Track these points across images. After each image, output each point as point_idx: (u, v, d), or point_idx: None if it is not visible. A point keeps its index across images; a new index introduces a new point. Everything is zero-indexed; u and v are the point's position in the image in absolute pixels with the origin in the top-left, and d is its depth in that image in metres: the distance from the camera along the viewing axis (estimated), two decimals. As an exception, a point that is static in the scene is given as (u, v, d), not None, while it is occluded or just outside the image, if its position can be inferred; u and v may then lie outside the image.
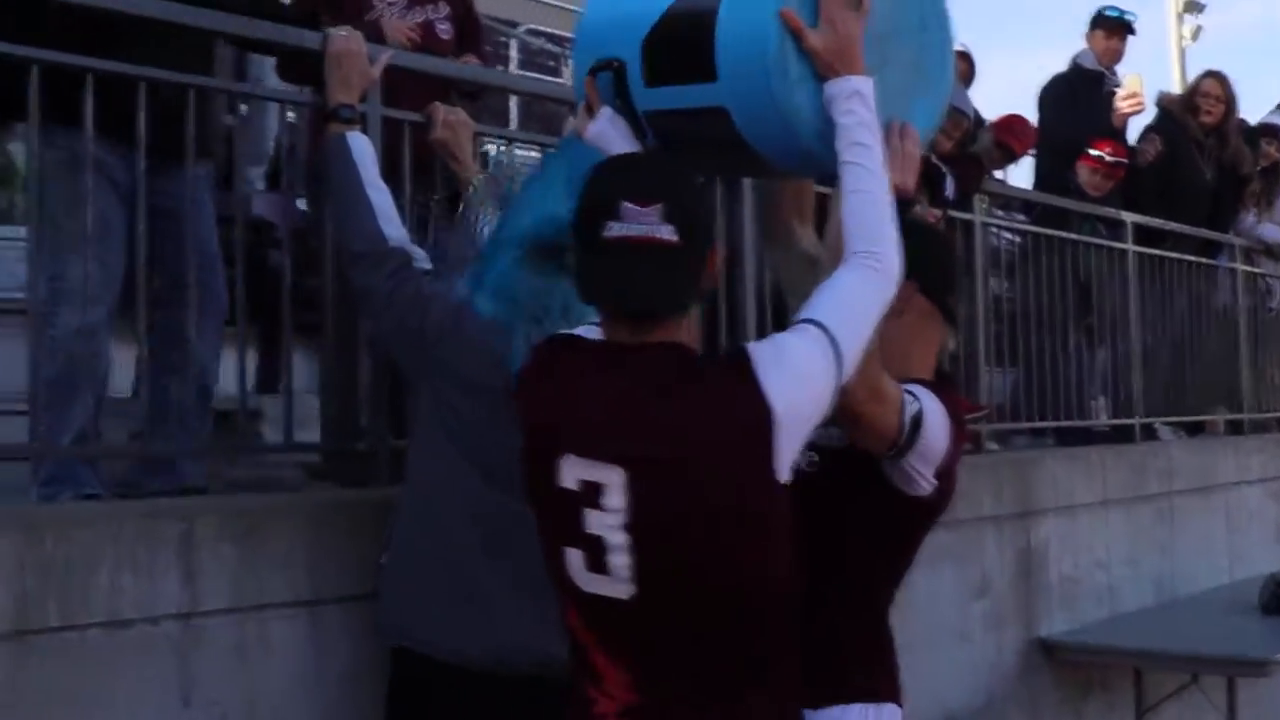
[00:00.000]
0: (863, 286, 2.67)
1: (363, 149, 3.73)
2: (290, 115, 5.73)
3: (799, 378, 2.54)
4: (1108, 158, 8.14)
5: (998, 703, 6.49)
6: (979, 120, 7.56)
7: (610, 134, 3.00)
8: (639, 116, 3.04)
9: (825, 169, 2.89)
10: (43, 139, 3.74)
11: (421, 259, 3.61)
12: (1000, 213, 7.78)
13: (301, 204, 5.02)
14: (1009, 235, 7.69)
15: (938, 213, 6.38)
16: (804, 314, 2.63)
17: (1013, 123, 7.58)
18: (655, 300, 2.57)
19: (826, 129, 2.84)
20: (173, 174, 4.04)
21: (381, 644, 3.60)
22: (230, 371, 4.31)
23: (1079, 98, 8.59)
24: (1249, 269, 9.62)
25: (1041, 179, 8.50)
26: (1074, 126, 8.24)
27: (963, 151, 6.83)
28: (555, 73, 11.76)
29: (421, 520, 3.47)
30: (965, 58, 7.76)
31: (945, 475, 2.97)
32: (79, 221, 3.81)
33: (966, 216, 6.85)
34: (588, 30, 3.22)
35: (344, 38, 3.91)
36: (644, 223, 2.51)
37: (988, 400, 6.91)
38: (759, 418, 2.48)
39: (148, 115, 3.81)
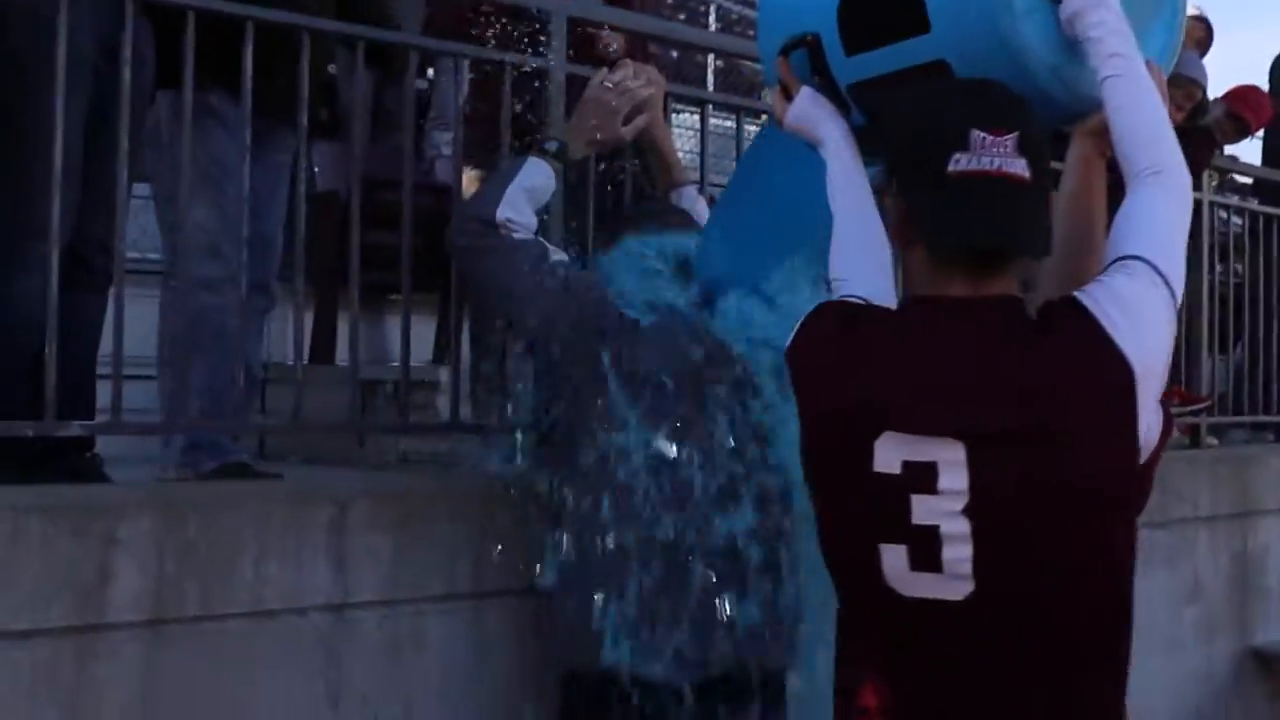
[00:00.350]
0: (1166, 207, 2.38)
1: (534, 173, 3.41)
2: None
3: (1147, 326, 2.26)
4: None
5: (1207, 717, 6.04)
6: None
7: (813, 114, 2.71)
8: (841, 91, 2.75)
9: (1063, 111, 2.60)
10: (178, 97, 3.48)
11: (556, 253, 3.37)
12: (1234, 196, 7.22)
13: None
14: (1232, 217, 7.13)
15: None
16: (1119, 250, 2.33)
17: (1247, 94, 7.02)
18: (1008, 241, 2.29)
19: (1061, 62, 2.54)
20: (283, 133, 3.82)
21: (553, 664, 3.37)
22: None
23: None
24: None
25: (1269, 156, 7.87)
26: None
27: (1192, 124, 6.31)
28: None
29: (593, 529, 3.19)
30: (1203, 23, 7.20)
31: (1145, 473, 2.51)
32: (199, 168, 3.57)
33: (1194, 195, 6.32)
34: (771, 8, 2.97)
35: (606, 88, 3.58)
36: (997, 155, 2.23)
37: (1208, 391, 6.40)
38: (1121, 378, 2.21)
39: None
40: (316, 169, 6.03)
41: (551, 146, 3.45)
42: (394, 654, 3.39)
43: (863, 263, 2.52)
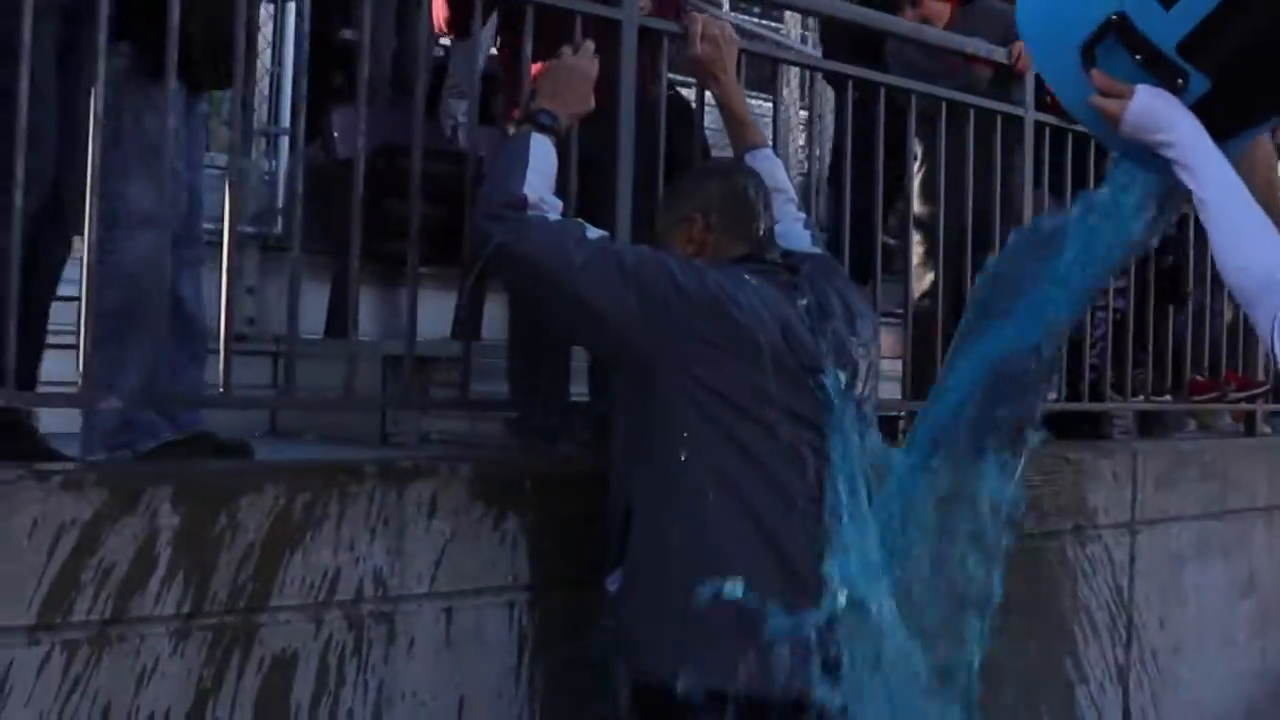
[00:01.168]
0: None
1: (545, 153, 3.13)
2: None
3: None
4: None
5: (1258, 715, 5.80)
6: None
7: (1155, 106, 2.41)
8: (1171, 60, 2.44)
9: None
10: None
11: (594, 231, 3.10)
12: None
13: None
14: None
15: None
16: None
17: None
18: None
19: None
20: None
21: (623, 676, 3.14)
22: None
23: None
24: None
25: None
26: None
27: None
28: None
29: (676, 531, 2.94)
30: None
31: None
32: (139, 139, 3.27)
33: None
34: (1038, 22, 2.66)
35: (578, 58, 3.36)
36: None
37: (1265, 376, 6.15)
38: None
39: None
40: (336, 134, 5.79)
41: (547, 120, 3.18)
42: (448, 648, 3.13)
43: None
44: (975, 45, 4.75)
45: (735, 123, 3.65)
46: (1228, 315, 5.95)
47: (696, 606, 2.83)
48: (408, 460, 3.22)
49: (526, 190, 2.99)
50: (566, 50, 3.35)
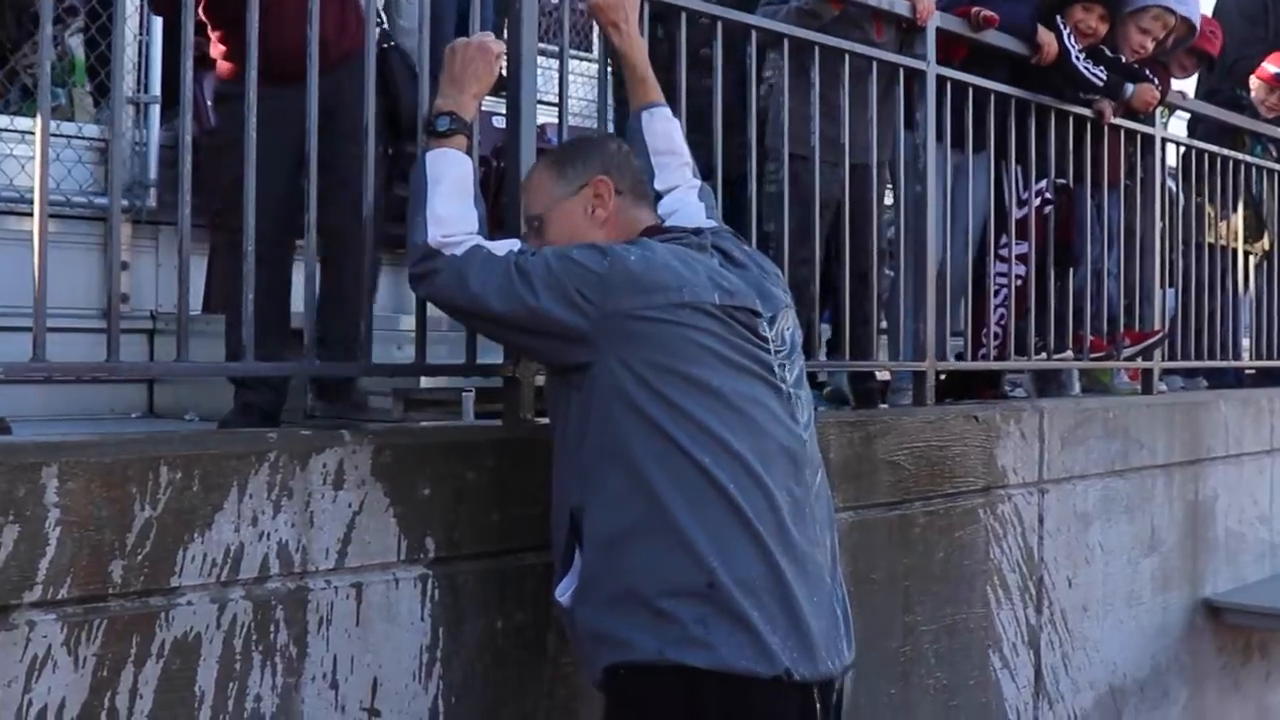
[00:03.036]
0: None
1: (447, 167, 2.97)
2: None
3: None
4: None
5: (1162, 671, 5.81)
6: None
7: None
8: None
9: None
10: None
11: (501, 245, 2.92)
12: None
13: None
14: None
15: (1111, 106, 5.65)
16: None
17: (1205, 24, 6.75)
18: None
19: None
20: None
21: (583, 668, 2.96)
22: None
23: (1270, 12, 7.70)
24: None
25: (1206, 95, 7.63)
26: (1253, 44, 7.35)
27: (1153, 56, 6.02)
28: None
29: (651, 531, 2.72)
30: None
31: None
32: None
33: (1148, 130, 6.06)
34: None
35: (473, 40, 3.17)
36: None
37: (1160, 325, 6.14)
38: None
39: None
40: (210, 102, 5.57)
41: (443, 125, 3.01)
42: (359, 627, 2.95)
43: None
44: (878, -1, 4.64)
45: (634, 79, 3.42)
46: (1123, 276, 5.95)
47: (672, 592, 2.67)
48: (309, 429, 3.03)
49: (430, 234, 2.87)
50: (459, 39, 3.17)
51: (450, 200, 2.91)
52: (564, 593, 2.83)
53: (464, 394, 4.40)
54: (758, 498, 2.71)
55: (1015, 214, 5.37)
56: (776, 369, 2.85)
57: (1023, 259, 5.40)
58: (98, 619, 2.58)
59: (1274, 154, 7.24)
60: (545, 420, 3.29)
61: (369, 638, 2.97)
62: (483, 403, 4.29)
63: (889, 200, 5.47)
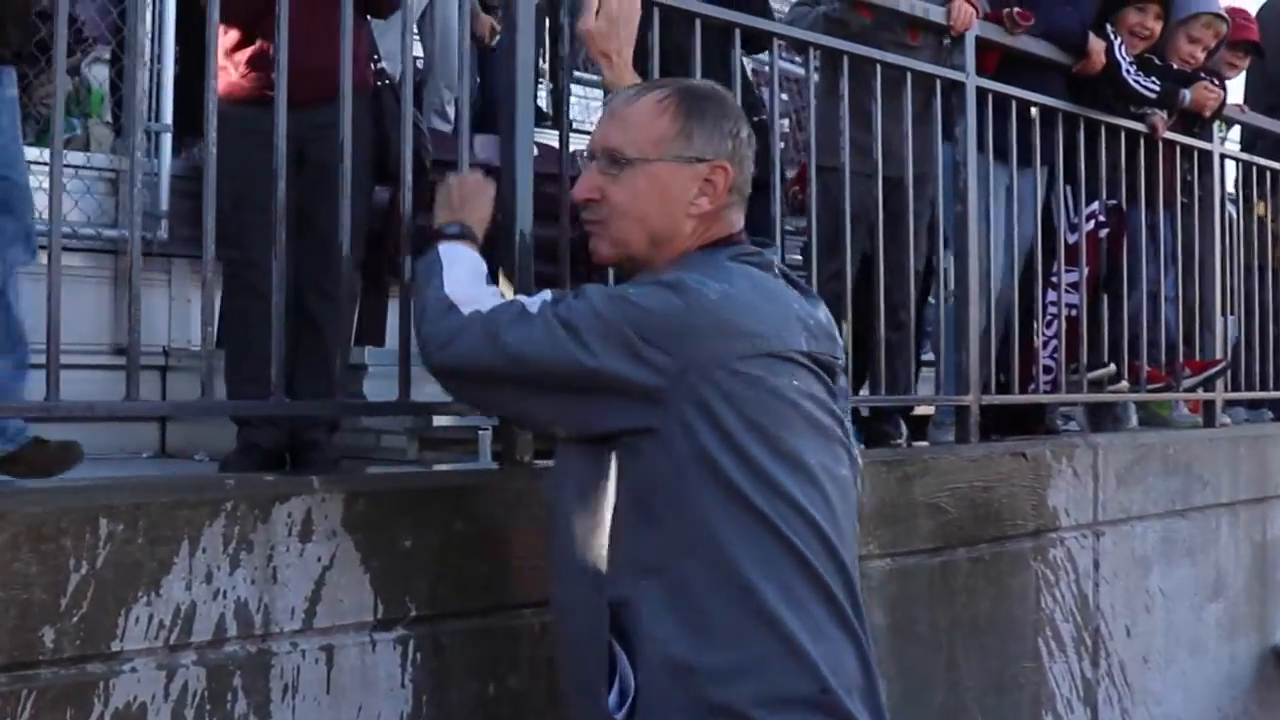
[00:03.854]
0: None
1: (459, 256, 2.61)
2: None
3: None
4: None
5: (1230, 723, 5.46)
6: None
7: None
8: None
9: None
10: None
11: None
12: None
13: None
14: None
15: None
16: None
17: (1234, 15, 6.39)
18: None
19: None
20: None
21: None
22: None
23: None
24: None
25: (1267, 110, 7.27)
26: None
27: (1206, 67, 5.71)
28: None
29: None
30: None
31: None
32: None
33: (1205, 145, 5.73)
34: None
35: (467, 176, 2.91)
36: None
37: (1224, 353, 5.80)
38: None
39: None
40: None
41: (453, 230, 2.68)
42: (329, 695, 2.66)
43: None
44: (910, 4, 4.34)
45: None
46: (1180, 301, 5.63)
47: (778, 702, 2.23)
48: (274, 475, 2.75)
49: (448, 289, 2.44)
50: (450, 174, 2.90)
51: (465, 281, 2.51)
52: (618, 710, 2.31)
53: (480, 432, 4.13)
54: (845, 590, 2.31)
55: (1068, 238, 5.05)
56: (846, 425, 2.43)
57: (1074, 287, 5.07)
58: (26, 689, 2.29)
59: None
60: (546, 464, 3.01)
61: (341, 707, 2.67)
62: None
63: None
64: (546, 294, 2.41)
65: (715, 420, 2.23)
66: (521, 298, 2.44)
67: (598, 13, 2.95)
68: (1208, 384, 5.66)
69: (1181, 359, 5.59)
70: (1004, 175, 4.71)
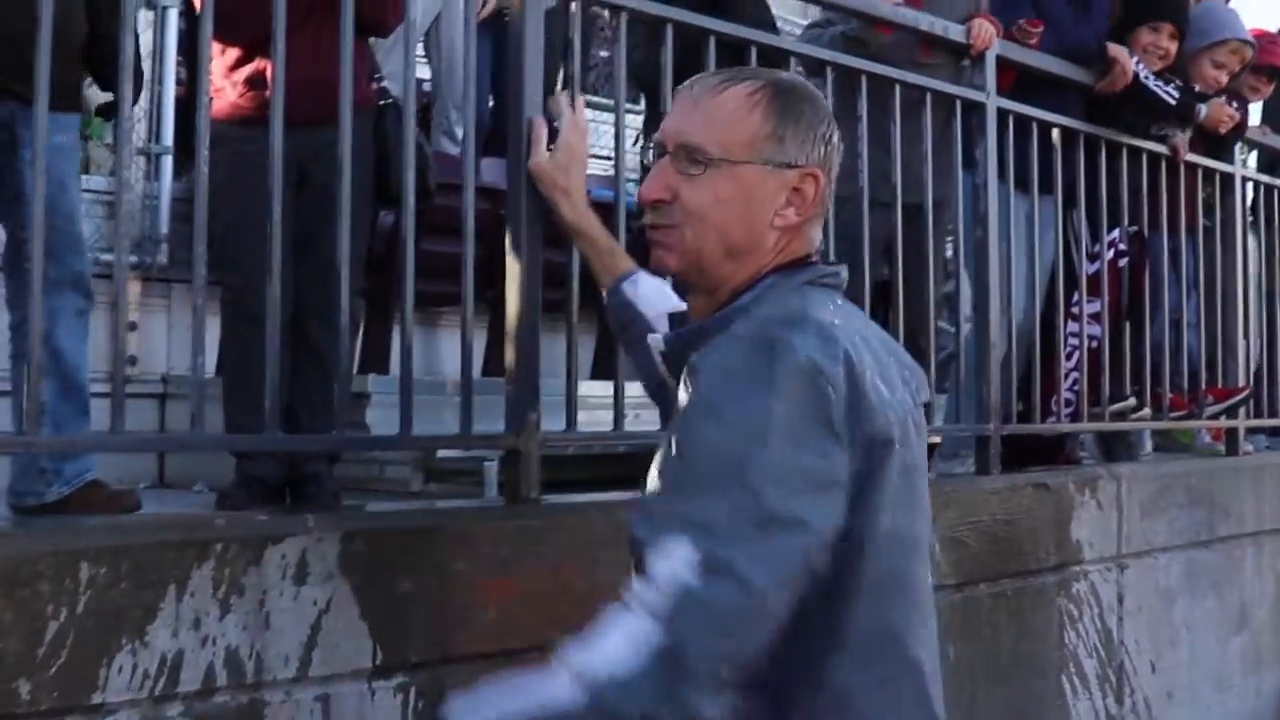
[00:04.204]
0: None
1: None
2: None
3: None
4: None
5: (1256, 761, 5.31)
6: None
7: None
8: None
9: None
10: None
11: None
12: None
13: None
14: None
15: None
16: None
17: (1262, 38, 6.28)
18: None
19: None
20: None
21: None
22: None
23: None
24: None
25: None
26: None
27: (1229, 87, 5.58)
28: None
29: None
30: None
31: None
32: None
33: (1226, 168, 5.60)
34: None
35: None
36: None
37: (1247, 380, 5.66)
38: None
39: None
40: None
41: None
42: (327, 746, 2.53)
43: None
44: (930, 22, 4.21)
45: (598, 252, 2.69)
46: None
47: None
48: (267, 513, 2.62)
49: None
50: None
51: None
52: None
53: (485, 464, 3.99)
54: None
55: (1088, 268, 4.91)
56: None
57: (1096, 318, 4.91)
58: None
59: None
60: (555, 499, 2.88)
61: (338, 758, 2.55)
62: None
63: (948, 250, 5.03)
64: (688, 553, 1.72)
65: (882, 502, 1.89)
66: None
67: (550, 148, 2.83)
68: (1231, 411, 5.52)
69: (1204, 385, 5.44)
70: (1024, 199, 4.57)
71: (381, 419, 4.05)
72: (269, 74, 3.51)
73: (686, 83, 2.12)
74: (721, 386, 1.80)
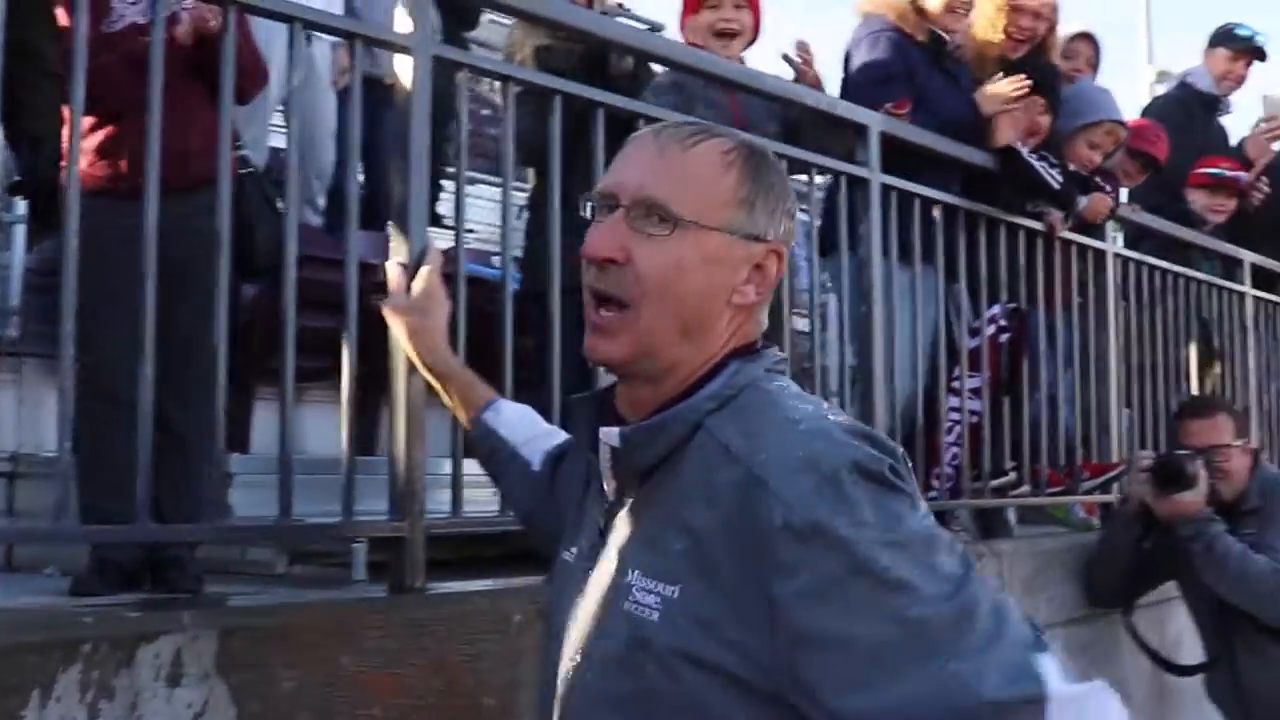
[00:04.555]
0: None
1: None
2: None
3: None
4: (1227, 171, 6.95)
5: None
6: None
7: None
8: None
9: None
10: None
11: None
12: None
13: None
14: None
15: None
16: None
17: (1146, 128, 6.39)
18: None
19: None
20: None
21: None
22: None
23: (1195, 122, 7.40)
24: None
25: (1152, 210, 7.24)
26: (1185, 152, 6.99)
27: (1101, 167, 5.64)
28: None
29: None
30: (1090, 41, 6.48)
31: None
32: None
33: (1099, 245, 5.64)
34: None
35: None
36: None
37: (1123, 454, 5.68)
38: None
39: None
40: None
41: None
42: None
43: None
44: (816, 98, 4.18)
45: (459, 387, 2.57)
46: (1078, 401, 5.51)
47: None
48: (137, 608, 2.45)
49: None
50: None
51: None
52: None
53: (354, 545, 3.82)
54: None
55: (969, 343, 4.90)
56: None
57: (976, 393, 4.90)
58: None
59: (1221, 271, 6.87)
60: (439, 588, 2.74)
61: None
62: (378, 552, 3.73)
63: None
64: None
65: None
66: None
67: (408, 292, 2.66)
68: (1105, 486, 5.53)
69: (1080, 461, 5.45)
70: (906, 272, 4.55)
71: (245, 500, 3.87)
72: (121, 141, 3.35)
73: (646, 130, 1.88)
74: (883, 553, 1.54)
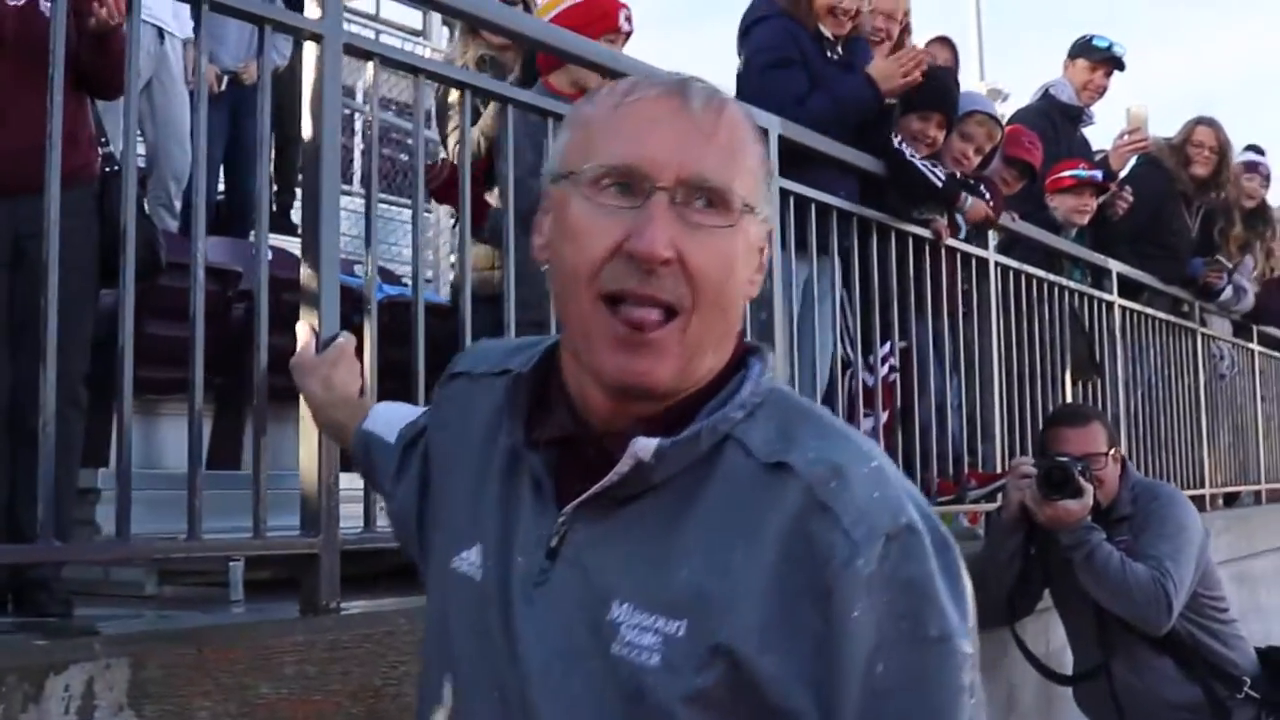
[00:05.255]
0: None
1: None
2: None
3: None
4: (1085, 172, 7.01)
5: None
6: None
7: None
8: None
9: None
10: None
11: None
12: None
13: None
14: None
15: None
16: None
17: (1019, 134, 6.40)
18: None
19: None
20: None
21: None
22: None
23: (1059, 132, 7.47)
24: (1207, 332, 8.64)
25: (1022, 218, 7.30)
26: (1047, 165, 7.03)
27: (980, 173, 5.63)
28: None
29: None
30: (948, 45, 6.58)
31: None
32: None
33: (981, 253, 5.64)
34: None
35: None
36: None
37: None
38: None
39: None
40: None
41: None
42: None
43: None
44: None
45: (345, 413, 2.27)
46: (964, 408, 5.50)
47: None
48: (45, 639, 2.27)
49: None
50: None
51: None
52: None
53: (231, 563, 3.62)
54: None
55: (867, 381, 4.88)
56: None
57: (872, 432, 4.87)
58: None
59: (1089, 279, 6.94)
60: (354, 609, 2.59)
61: None
62: (256, 569, 3.53)
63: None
64: None
65: None
66: None
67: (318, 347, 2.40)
68: (991, 496, 5.51)
69: (966, 469, 5.44)
70: (804, 269, 4.50)
71: (110, 516, 3.66)
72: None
73: (656, 88, 1.48)
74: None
